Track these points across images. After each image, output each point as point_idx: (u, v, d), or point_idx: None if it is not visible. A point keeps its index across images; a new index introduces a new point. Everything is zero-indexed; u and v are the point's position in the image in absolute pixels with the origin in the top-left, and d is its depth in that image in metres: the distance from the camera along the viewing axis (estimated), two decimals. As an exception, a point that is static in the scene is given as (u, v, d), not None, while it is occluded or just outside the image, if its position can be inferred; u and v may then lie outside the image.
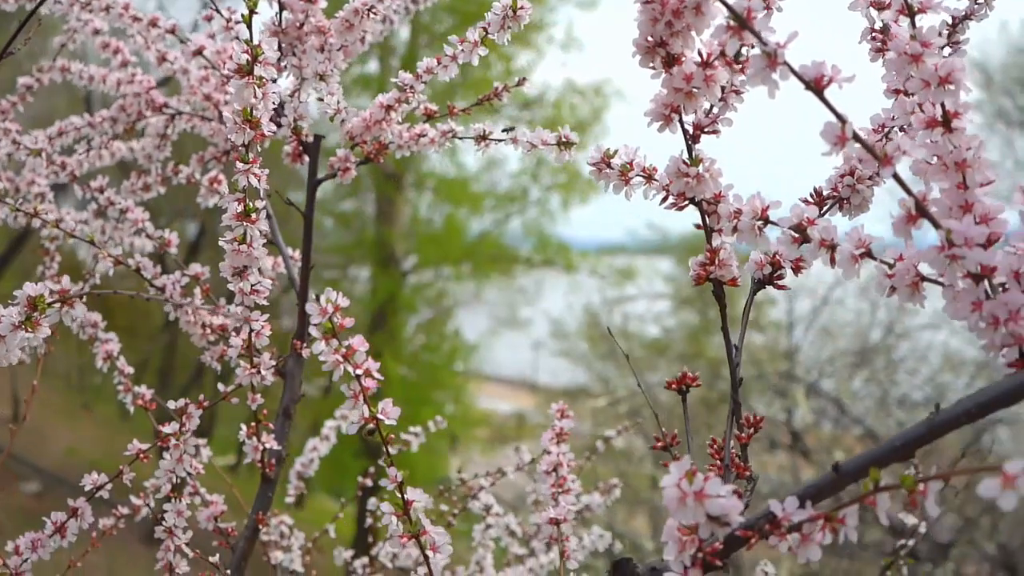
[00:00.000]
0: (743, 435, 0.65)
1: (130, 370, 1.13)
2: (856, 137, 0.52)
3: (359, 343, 0.65)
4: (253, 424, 0.99)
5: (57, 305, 0.70)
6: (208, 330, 1.05)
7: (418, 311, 11.75)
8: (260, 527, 1.02)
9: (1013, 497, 0.42)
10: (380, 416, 0.65)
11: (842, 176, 0.70)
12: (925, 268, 0.56)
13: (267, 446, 1.00)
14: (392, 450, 1.48)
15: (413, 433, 1.44)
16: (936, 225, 0.53)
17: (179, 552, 0.97)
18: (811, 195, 0.71)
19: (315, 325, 0.63)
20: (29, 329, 0.68)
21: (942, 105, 0.55)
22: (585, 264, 11.61)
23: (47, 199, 1.30)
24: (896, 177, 0.53)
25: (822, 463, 6.04)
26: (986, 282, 0.55)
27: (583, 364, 10.25)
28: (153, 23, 1.12)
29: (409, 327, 11.68)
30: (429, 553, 0.67)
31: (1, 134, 1.14)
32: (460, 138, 1.00)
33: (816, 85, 0.52)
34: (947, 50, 0.74)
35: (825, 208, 0.71)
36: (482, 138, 0.98)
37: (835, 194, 0.71)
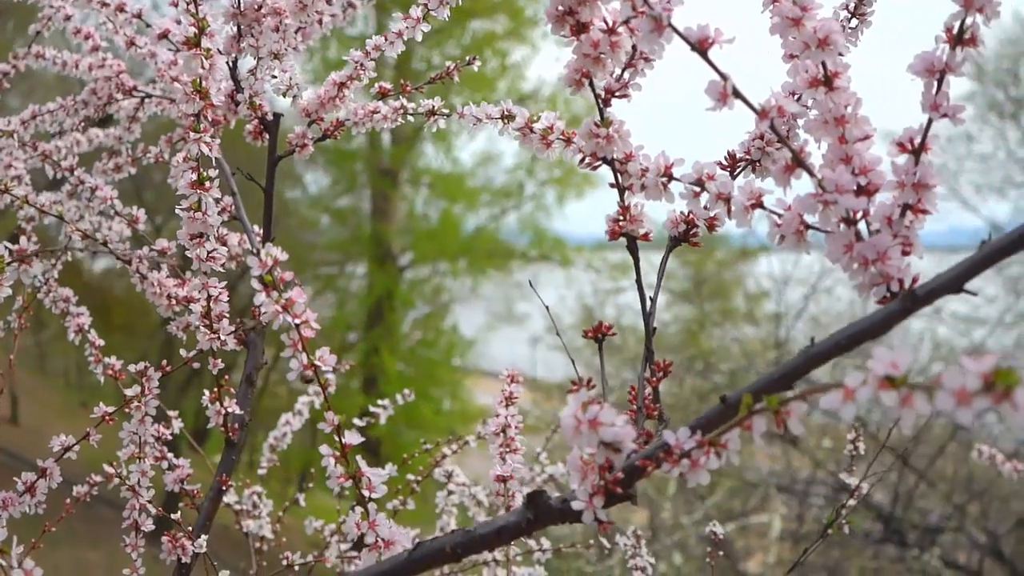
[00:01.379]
0: (654, 379, 0.70)
1: (101, 343, 1.17)
2: (736, 93, 0.57)
3: (298, 295, 0.70)
4: (216, 390, 1.04)
5: (15, 264, 0.74)
6: (173, 301, 1.09)
7: (415, 307, 11.80)
8: (224, 489, 1.07)
9: (852, 408, 0.46)
10: (318, 363, 0.70)
11: (753, 139, 0.75)
12: (810, 218, 0.61)
13: (230, 411, 1.05)
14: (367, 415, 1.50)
15: (381, 406, 1.49)
16: (811, 174, 0.58)
17: (144, 511, 1.02)
18: (725, 158, 0.76)
19: (255, 277, 0.68)
20: (-11, 288, 0.73)
21: (823, 65, 0.60)
22: (580, 259, 11.67)
23: (24, 182, 1.34)
24: (774, 130, 0.58)
25: (811, 451, 6.11)
26: (864, 227, 0.59)
27: (578, 357, 10.29)
28: (120, 8, 1.17)
29: (406, 323, 11.73)
30: (365, 492, 0.72)
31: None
32: (411, 114, 1.05)
33: (701, 46, 0.57)
34: (854, 21, 0.79)
35: (738, 170, 0.75)
36: (431, 113, 1.03)
37: (747, 156, 0.75)
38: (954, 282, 0.53)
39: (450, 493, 1.40)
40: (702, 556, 6.01)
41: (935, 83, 0.58)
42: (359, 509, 0.72)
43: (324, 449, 0.72)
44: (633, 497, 0.64)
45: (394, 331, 11.35)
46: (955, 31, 0.58)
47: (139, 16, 1.18)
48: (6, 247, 0.73)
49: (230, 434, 1.07)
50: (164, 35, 1.13)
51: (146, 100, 1.29)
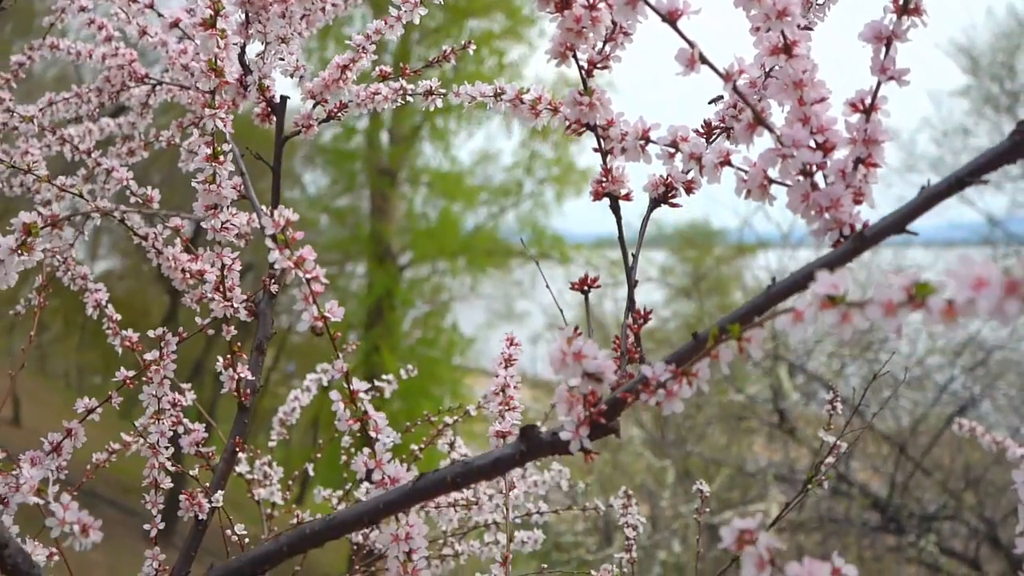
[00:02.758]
0: (636, 326, 0.76)
1: (118, 317, 1.23)
2: (703, 59, 0.63)
3: (308, 252, 0.76)
4: (229, 356, 1.10)
5: (48, 229, 0.80)
6: (187, 275, 1.15)
7: (415, 306, 11.86)
8: (237, 450, 1.13)
9: (801, 329, 0.52)
10: (327, 315, 0.76)
11: (728, 108, 0.81)
12: (773, 173, 0.67)
13: (242, 376, 1.11)
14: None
15: (386, 380, 1.55)
16: (771, 131, 0.64)
17: (163, 469, 1.08)
18: (701, 125, 0.82)
19: (269, 236, 0.74)
20: (24, 252, 0.79)
21: (783, 34, 0.66)
22: (580, 256, 11.74)
23: (41, 167, 1.41)
24: (736, 91, 0.64)
25: (808, 441, 6.17)
26: (821, 178, 0.66)
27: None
28: (133, -1, 1.23)
29: (406, 322, 11.79)
30: (372, 434, 0.78)
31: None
32: (410, 94, 1.11)
33: (671, 17, 0.63)
34: (820, -1, 0.85)
35: (714, 136, 0.82)
36: (429, 93, 1.09)
37: (722, 124, 0.81)
38: (897, 224, 0.59)
39: (453, 462, 1.46)
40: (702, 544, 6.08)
41: (883, 48, 0.64)
42: (367, 450, 0.79)
43: (334, 395, 0.78)
44: (616, 430, 0.70)
45: (394, 330, 11.41)
46: (901, 2, 0.64)
47: (151, 6, 1.24)
48: (39, 212, 0.80)
49: (242, 399, 1.13)
50: (175, 24, 1.19)
51: (157, 87, 1.35)
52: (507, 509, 1.15)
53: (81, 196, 1.12)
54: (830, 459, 1.19)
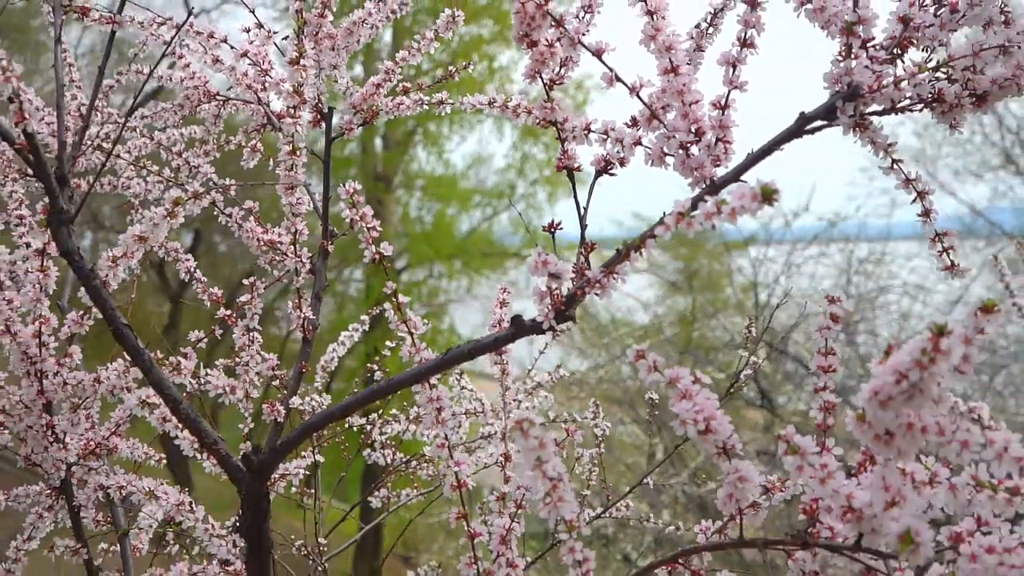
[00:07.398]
0: (586, 252, 1.15)
1: (205, 280, 1.62)
2: (617, 78, 1.02)
3: (368, 210, 1.15)
4: (296, 300, 1.49)
5: (191, 200, 1.19)
6: (260, 242, 1.54)
7: (412, 309, 12.21)
8: (303, 371, 1.51)
9: (668, 232, 0.91)
10: (382, 250, 1.15)
11: (642, 111, 1.20)
12: (666, 149, 1.06)
13: (306, 316, 1.50)
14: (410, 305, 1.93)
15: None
16: (661, 122, 1.03)
17: (252, 384, 1.47)
18: (630, 119, 1.21)
19: (343, 199, 1.13)
20: (171, 217, 1.17)
21: (670, 60, 1.05)
22: (572, 256, 12.10)
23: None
24: (640, 99, 1.03)
25: (789, 417, 6.57)
26: (695, 150, 1.05)
27: (570, 347, 10.75)
28: (211, 35, 1.62)
29: (404, 324, 12.13)
30: (412, 330, 1.17)
31: (104, 115, 1.64)
32: (427, 104, 1.50)
33: (598, 53, 1.02)
34: (711, 29, 1.24)
35: (638, 127, 1.20)
36: (441, 103, 1.49)
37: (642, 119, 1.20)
38: (733, 176, 0.98)
39: (463, 388, 1.85)
40: (690, 515, 6.42)
41: (731, 68, 1.03)
42: (409, 340, 1.17)
43: (387, 305, 1.17)
44: (573, 318, 1.09)
45: (392, 333, 11.72)
46: (742, 39, 1.03)
47: (224, 41, 1.63)
48: (184, 188, 1.18)
49: (306, 334, 1.52)
50: (244, 54, 1.58)
51: (226, 102, 1.73)
52: (505, 401, 1.52)
53: (180, 186, 1.51)
54: (748, 371, 1.57)
